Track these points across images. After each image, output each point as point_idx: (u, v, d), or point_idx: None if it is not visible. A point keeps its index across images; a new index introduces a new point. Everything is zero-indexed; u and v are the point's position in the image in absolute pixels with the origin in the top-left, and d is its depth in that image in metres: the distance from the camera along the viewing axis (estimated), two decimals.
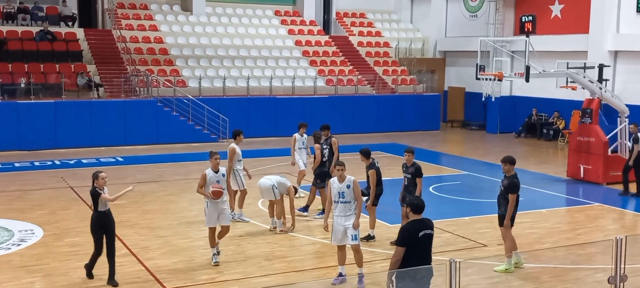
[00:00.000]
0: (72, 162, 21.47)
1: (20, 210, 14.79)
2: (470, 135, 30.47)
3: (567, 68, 20.22)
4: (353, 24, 35.64)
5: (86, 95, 25.55)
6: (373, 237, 12.57)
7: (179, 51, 29.31)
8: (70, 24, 29.34)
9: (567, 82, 20.34)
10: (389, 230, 13.11)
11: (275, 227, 13.23)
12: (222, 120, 26.03)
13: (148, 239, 12.62)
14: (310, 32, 33.51)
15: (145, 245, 12.21)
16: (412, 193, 11.81)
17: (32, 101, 23.91)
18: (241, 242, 12.46)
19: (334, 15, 35.90)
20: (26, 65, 25.72)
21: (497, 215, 11.07)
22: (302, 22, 34.10)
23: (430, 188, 17.27)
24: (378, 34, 35.32)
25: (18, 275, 10.61)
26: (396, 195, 12.68)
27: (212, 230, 11.17)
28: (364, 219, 12.14)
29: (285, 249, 12.15)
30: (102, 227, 10.08)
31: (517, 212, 10.99)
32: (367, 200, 12.17)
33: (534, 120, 29.17)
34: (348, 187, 9.99)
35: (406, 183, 12.10)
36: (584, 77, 19.67)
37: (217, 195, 10.99)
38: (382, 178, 12.59)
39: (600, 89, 19.59)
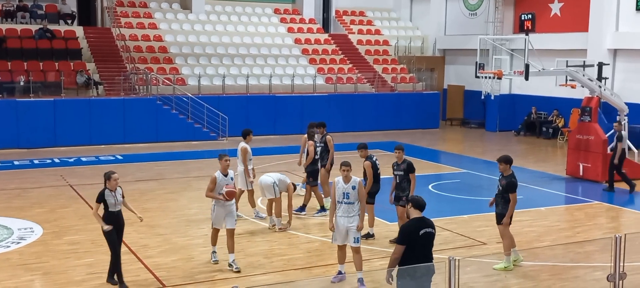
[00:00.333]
0: (71, 160, 21.47)
1: (19, 208, 14.79)
2: (470, 133, 30.47)
3: (567, 66, 20.26)
4: (352, 22, 35.64)
5: (85, 93, 25.55)
6: (372, 235, 12.57)
7: (179, 49, 29.31)
8: (69, 21, 29.32)
9: (566, 80, 20.38)
10: (387, 228, 13.12)
11: (274, 225, 13.23)
12: (221, 118, 26.03)
13: (147, 237, 12.62)
14: (309, 31, 33.51)
15: (144, 243, 12.21)
16: (405, 191, 11.80)
17: (32, 99, 23.90)
18: (240, 240, 12.44)
19: (333, 14, 35.91)
20: (25, 63, 25.72)
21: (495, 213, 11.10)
22: (302, 21, 34.10)
23: (430, 187, 17.28)
24: (377, 32, 35.32)
25: (17, 273, 10.61)
26: (387, 194, 12.54)
27: (216, 230, 11.04)
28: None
29: (284, 247, 12.16)
30: (114, 228, 9.86)
31: (516, 210, 11.01)
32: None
33: (533, 119, 29.18)
34: (353, 188, 9.91)
35: (398, 181, 11.97)
36: (584, 75, 19.70)
37: (231, 196, 10.75)
38: (382, 177, 12.61)
39: (600, 87, 19.61)
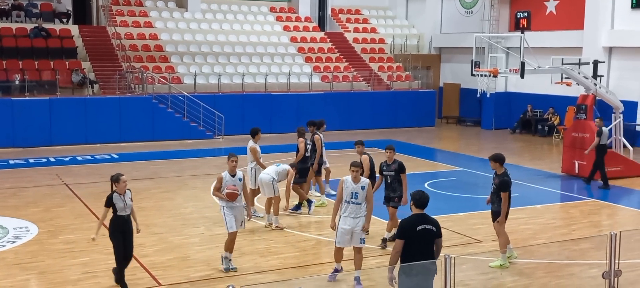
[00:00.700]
0: (66, 159, 21.42)
1: (14, 208, 14.76)
2: (465, 131, 30.50)
3: (562, 64, 20.28)
4: (348, 20, 35.62)
5: (81, 92, 25.49)
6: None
7: (174, 48, 29.27)
8: (64, 20, 29.25)
9: (562, 78, 20.40)
10: (383, 227, 13.10)
11: (270, 224, 13.24)
12: (217, 117, 26.01)
13: (142, 236, 12.52)
14: (305, 29, 33.49)
15: (139, 242, 12.13)
16: (397, 192, 11.77)
17: (27, 98, 23.84)
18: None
19: (329, 12, 35.89)
20: (20, 62, 25.65)
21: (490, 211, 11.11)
22: (298, 19, 34.08)
23: (425, 185, 17.28)
24: (373, 30, 35.32)
25: (13, 272, 10.59)
26: (381, 192, 12.54)
27: (234, 235, 10.59)
28: None
29: (281, 246, 12.15)
30: (122, 232, 9.64)
31: (511, 208, 11.03)
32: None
33: (528, 116, 29.22)
34: (363, 188, 9.82)
35: (389, 181, 11.85)
36: (579, 73, 19.73)
37: (232, 197, 10.51)
38: (376, 175, 12.62)
39: (595, 85, 19.64)
